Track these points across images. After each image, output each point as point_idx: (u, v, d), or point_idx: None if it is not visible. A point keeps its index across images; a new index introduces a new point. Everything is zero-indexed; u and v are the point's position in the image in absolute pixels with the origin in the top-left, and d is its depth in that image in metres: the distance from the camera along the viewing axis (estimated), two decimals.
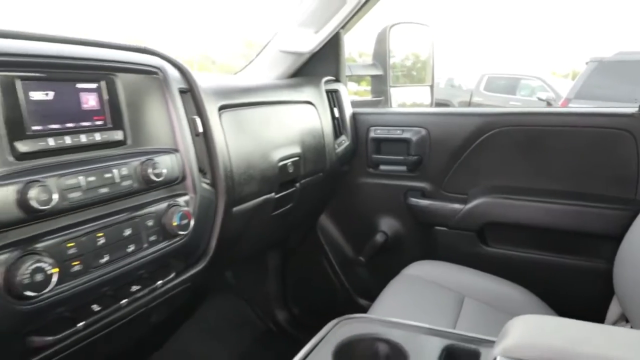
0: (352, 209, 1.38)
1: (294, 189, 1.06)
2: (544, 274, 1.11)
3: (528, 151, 1.13)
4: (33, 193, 0.46)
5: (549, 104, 7.13)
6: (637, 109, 1.03)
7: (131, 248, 0.58)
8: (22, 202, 0.45)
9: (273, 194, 0.97)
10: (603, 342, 0.42)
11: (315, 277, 1.45)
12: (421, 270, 1.08)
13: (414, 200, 1.25)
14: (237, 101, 0.87)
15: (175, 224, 0.62)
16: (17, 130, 0.48)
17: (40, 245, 0.47)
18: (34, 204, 0.45)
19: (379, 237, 1.34)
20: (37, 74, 0.51)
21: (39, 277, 0.45)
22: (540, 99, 7.26)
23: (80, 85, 0.55)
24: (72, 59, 0.54)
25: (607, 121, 1.07)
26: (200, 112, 0.74)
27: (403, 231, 1.32)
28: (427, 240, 1.26)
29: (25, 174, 0.47)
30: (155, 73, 0.66)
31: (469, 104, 8.30)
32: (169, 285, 0.65)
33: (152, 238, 0.61)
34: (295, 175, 1.04)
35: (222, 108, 0.82)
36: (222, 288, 1.45)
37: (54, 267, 0.47)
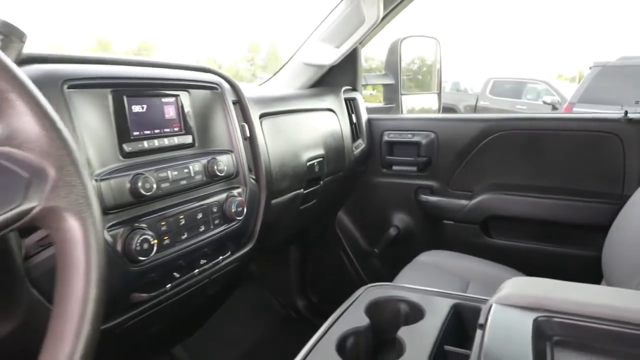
0: (367, 205, 1.52)
1: (318, 186, 1.20)
2: (540, 261, 1.24)
3: (527, 152, 1.27)
4: (140, 183, 0.60)
5: (554, 108, 7.22)
6: (622, 114, 1.17)
7: (202, 229, 0.72)
8: (133, 189, 0.60)
9: (302, 189, 1.12)
10: (575, 292, 0.56)
11: (333, 268, 1.59)
12: (431, 259, 1.22)
13: (424, 197, 1.39)
14: (273, 110, 1.02)
15: (233, 210, 0.77)
16: (124, 135, 0.63)
17: (143, 222, 0.62)
18: (141, 191, 0.60)
19: (392, 231, 1.48)
20: (136, 92, 0.66)
21: (145, 245, 0.60)
22: (545, 103, 7.37)
23: (164, 100, 0.70)
24: (160, 80, 0.69)
25: (597, 125, 1.20)
26: (247, 119, 0.89)
27: (413, 225, 1.46)
28: (436, 232, 1.40)
29: (132, 169, 0.62)
30: (216, 88, 0.81)
31: (475, 108, 8.41)
32: (226, 262, 0.80)
33: (216, 222, 0.75)
34: (320, 173, 1.18)
35: (262, 116, 0.97)
36: (248, 279, 1.59)
37: (154, 239, 0.61)
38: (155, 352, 1.12)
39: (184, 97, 0.74)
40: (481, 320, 0.59)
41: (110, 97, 0.62)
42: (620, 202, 1.07)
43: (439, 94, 1.77)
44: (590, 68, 5.32)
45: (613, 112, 1.22)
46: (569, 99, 5.52)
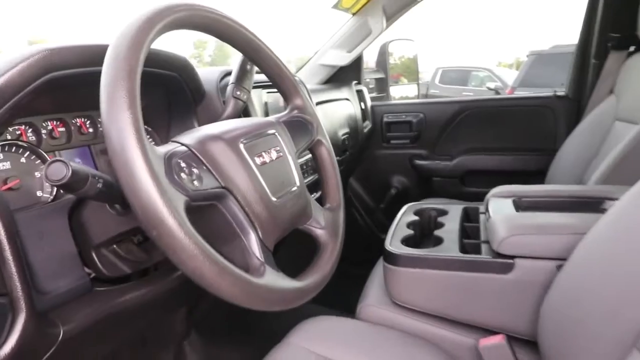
0: (372, 172, 1.98)
1: (345, 155, 1.63)
2: None
3: (489, 124, 1.76)
4: None
5: (497, 93, 7.97)
6: (552, 93, 1.69)
7: (305, 175, 1.14)
8: None
9: (338, 157, 1.55)
10: (534, 187, 1.03)
11: (347, 223, 2.02)
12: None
13: (417, 162, 1.86)
14: (321, 99, 1.45)
15: None
16: None
17: None
18: None
19: (393, 190, 1.94)
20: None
21: None
22: (489, 89, 8.06)
23: None
24: None
25: (536, 102, 1.71)
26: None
27: (409, 184, 1.93)
28: (427, 187, 1.88)
29: None
30: None
31: (426, 96, 9.07)
32: None
33: (310, 171, 1.17)
34: (347, 146, 1.61)
35: (317, 104, 1.39)
36: None
37: None
38: None
39: None
40: (482, 210, 1.06)
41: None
42: (554, 153, 1.57)
43: (418, 84, 2.26)
44: (527, 56, 6.04)
45: (547, 92, 1.74)
46: (511, 84, 6.23)
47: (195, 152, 0.51)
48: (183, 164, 0.47)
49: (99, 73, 0.44)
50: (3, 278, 0.47)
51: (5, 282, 0.47)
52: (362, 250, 1.54)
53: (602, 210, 0.69)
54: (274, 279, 0.52)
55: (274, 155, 0.60)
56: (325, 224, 0.70)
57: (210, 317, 1.25)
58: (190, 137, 0.53)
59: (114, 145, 0.41)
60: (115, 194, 0.51)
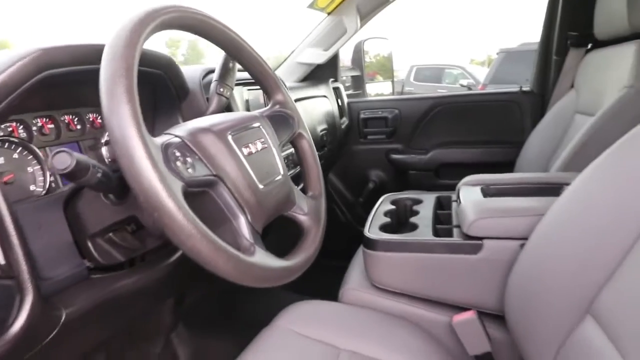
0: (350, 167, 2.03)
1: (324, 151, 1.68)
2: None
3: (461, 118, 1.85)
4: None
5: (469, 90, 8.19)
6: (518, 88, 1.78)
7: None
8: None
9: (318, 153, 1.59)
10: (499, 175, 1.11)
11: (327, 217, 2.08)
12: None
13: (393, 156, 1.93)
14: (299, 96, 1.49)
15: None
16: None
17: None
18: None
19: (370, 184, 2.00)
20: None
21: None
22: (463, 86, 8.26)
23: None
24: None
25: (503, 97, 1.80)
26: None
27: (386, 177, 2.00)
28: (403, 180, 1.95)
29: None
30: None
31: (402, 94, 9.23)
32: None
33: (291, 165, 1.22)
34: (326, 142, 1.66)
35: (296, 100, 1.43)
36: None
37: None
38: None
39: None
40: (454, 198, 1.12)
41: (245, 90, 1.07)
42: (521, 145, 1.66)
43: (392, 82, 2.33)
44: (497, 54, 6.22)
45: (513, 87, 1.83)
46: (482, 81, 6.40)
47: (188, 143, 0.55)
48: (178, 154, 0.51)
49: (87, 72, 0.47)
50: (10, 262, 0.50)
51: (12, 266, 0.50)
52: (343, 243, 1.59)
53: (560, 195, 0.76)
54: (263, 258, 0.56)
55: (259, 146, 0.65)
56: (308, 210, 0.75)
57: (197, 309, 1.28)
58: (183, 130, 0.57)
59: (116, 136, 0.44)
60: (112, 184, 0.55)
